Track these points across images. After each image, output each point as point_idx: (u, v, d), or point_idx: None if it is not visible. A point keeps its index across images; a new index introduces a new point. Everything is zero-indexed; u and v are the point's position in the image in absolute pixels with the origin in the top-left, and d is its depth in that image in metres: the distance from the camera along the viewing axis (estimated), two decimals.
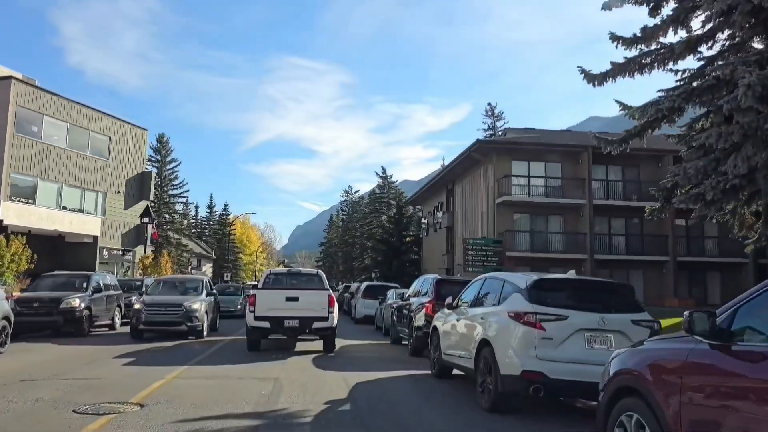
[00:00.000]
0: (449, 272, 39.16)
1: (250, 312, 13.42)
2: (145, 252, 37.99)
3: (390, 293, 20.90)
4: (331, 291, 14.67)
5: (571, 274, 8.16)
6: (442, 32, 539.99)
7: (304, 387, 9.15)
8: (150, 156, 70.11)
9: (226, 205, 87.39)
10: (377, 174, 71.04)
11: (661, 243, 30.84)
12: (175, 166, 70.96)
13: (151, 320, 16.42)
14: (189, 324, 16.47)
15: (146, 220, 32.37)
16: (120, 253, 41.65)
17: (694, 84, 13.96)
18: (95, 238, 38.19)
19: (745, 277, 30.63)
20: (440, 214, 42.19)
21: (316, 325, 13.36)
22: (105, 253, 39.67)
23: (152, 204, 71.78)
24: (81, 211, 38.58)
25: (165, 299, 17.25)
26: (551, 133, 37.77)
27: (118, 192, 41.60)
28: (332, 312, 13.48)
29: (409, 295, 15.69)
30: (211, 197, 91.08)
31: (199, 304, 17.04)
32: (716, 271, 31.99)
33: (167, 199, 70.05)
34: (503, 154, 31.58)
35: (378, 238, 51.54)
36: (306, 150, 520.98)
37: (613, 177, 31.77)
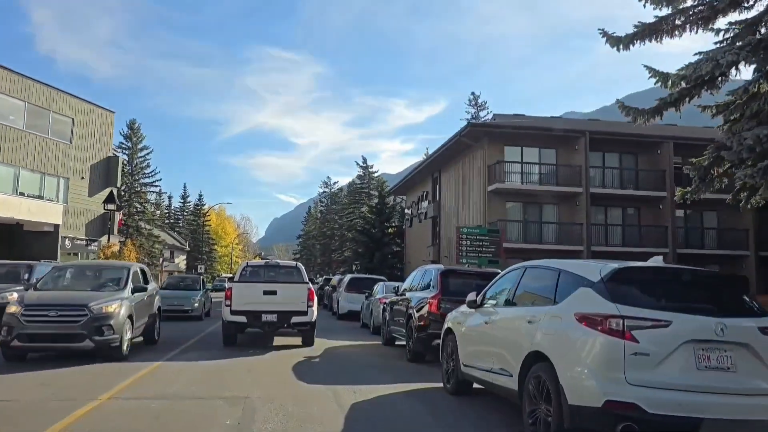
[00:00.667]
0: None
1: (226, 306, 12.87)
2: (108, 241, 35.18)
3: (378, 287, 18.69)
4: (310, 284, 14.10)
5: (658, 260, 5.88)
6: (418, 25, 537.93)
7: (285, 412, 6.84)
8: (120, 143, 66.99)
9: (200, 195, 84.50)
10: (357, 164, 68.72)
11: (660, 234, 29.03)
12: (147, 154, 67.85)
13: (32, 332, 10.13)
14: (97, 338, 10.22)
15: (111, 206, 29.63)
16: (84, 243, 38.79)
17: (739, 44, 11.86)
18: (56, 226, 35.25)
19: (745, 269, 29.03)
20: (425, 203, 40.02)
21: (295, 319, 12.90)
22: (67, 242, 36.79)
23: (122, 192, 68.81)
24: (41, 197, 35.64)
25: (59, 298, 10.89)
26: (542, 119, 35.75)
27: (82, 178, 38.70)
28: (312, 306, 13.00)
29: (404, 289, 13.43)
30: (185, 187, 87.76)
31: (117, 306, 10.73)
32: (715, 264, 30.31)
33: (138, 188, 66.92)
34: (495, 139, 29.46)
35: (359, 229, 49.22)
36: (283, 142, 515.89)
37: (610, 164, 29.86)
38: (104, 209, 30.20)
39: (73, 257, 36.93)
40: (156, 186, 68.61)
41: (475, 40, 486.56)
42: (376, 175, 67.39)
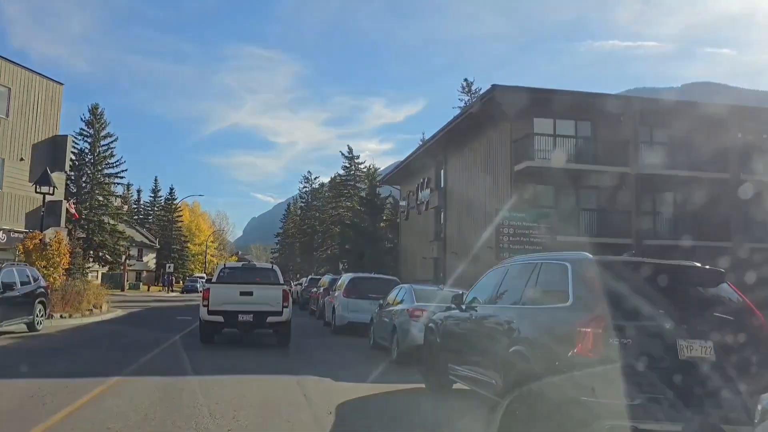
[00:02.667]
0: (439, 263, 31.30)
1: (204, 306, 13.14)
2: (42, 231, 28.67)
3: (400, 292, 12.78)
4: (285, 286, 14.48)
5: None
6: (396, 25, 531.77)
7: None
8: (81, 129, 59.90)
9: (171, 189, 77.38)
10: (343, 154, 62.58)
11: (723, 226, 23.49)
12: (111, 142, 60.79)
13: None
14: None
15: (45, 188, 23.25)
16: (23, 236, 32.23)
17: None
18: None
19: None
20: (426, 192, 34.17)
21: (271, 319, 13.18)
22: (1, 235, 30.29)
23: (83, 184, 61.79)
24: None
25: None
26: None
27: (22, 159, 32.15)
28: (287, 307, 13.27)
29: (477, 300, 7.51)
30: (155, 180, 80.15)
31: None
32: None
33: (101, 179, 59.94)
34: (523, 109, 23.69)
35: (347, 223, 43.17)
36: (261, 141, 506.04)
37: (660, 141, 24.27)
38: (36, 191, 23.74)
39: (9, 252, 30.53)
40: (121, 177, 61.62)
41: (454, 39, 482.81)
42: (362, 166, 61.47)
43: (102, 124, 60.31)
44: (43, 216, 22.88)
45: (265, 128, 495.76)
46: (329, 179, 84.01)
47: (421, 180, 35.29)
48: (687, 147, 23.68)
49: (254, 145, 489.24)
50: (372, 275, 19.34)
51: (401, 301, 12.05)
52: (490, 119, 24.94)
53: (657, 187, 23.72)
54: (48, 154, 33.96)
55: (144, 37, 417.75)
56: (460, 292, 8.03)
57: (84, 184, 58.73)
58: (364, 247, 39.60)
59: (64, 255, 19.81)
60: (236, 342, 14.17)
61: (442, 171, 32.09)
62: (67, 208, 40.84)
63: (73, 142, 61.87)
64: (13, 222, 31.76)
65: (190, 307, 29.54)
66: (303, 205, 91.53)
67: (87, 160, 59.57)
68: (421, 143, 46.13)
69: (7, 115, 31.36)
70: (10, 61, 31.76)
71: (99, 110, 60.37)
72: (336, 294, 18.08)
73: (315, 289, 25.58)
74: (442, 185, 31.86)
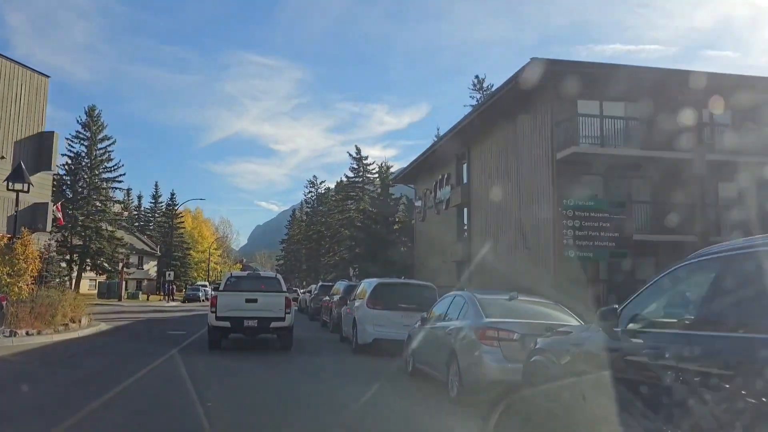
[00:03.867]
0: (463, 266, 27.95)
1: (212, 312, 13.68)
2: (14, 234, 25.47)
3: (454, 303, 9.34)
4: (287, 293, 14.87)
5: None
6: (397, 30, 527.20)
7: None
8: (78, 132, 56.87)
9: (172, 194, 74.03)
10: (350, 155, 59.17)
11: None
12: (109, 145, 57.77)
13: None
14: None
15: (18, 186, 19.99)
16: (4, 242, 29.04)
17: None
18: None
19: None
20: (446, 189, 30.88)
21: (274, 324, 13.72)
22: None
23: (79, 188, 58.53)
24: None
25: None
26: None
27: (2, 157, 29.00)
28: (289, 313, 13.85)
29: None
30: (156, 186, 76.81)
31: None
32: None
33: (98, 183, 56.81)
34: (566, 88, 20.41)
35: (358, 225, 39.79)
36: (264, 149, 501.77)
37: (728, 122, 20.94)
38: (7, 189, 20.48)
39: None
40: (120, 181, 58.45)
41: (455, 45, 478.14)
42: (371, 167, 58.06)
43: (99, 126, 57.26)
44: (17, 217, 19.53)
45: (267, 136, 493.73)
46: (335, 183, 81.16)
47: (440, 177, 32.01)
48: (760, 129, 20.32)
49: (257, 153, 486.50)
50: (401, 280, 15.98)
51: (459, 316, 8.67)
52: (524, 101, 21.65)
53: (724, 176, 20.34)
54: (33, 152, 30.81)
55: (145, 46, 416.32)
56: (614, 307, 4.47)
57: (80, 189, 55.58)
58: (377, 251, 36.27)
59: (32, 260, 16.50)
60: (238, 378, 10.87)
61: (465, 165, 28.81)
62: (53, 211, 37.86)
63: (69, 145, 58.94)
64: None
65: (187, 319, 26.18)
66: (309, 210, 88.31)
67: (84, 163, 56.46)
68: (436, 139, 42.91)
69: None
70: None
71: (96, 112, 57.31)
72: (356, 304, 14.74)
73: (327, 298, 22.26)
74: (465, 181, 28.58)
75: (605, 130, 20.39)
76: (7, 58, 29.62)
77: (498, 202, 24.45)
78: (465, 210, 28.69)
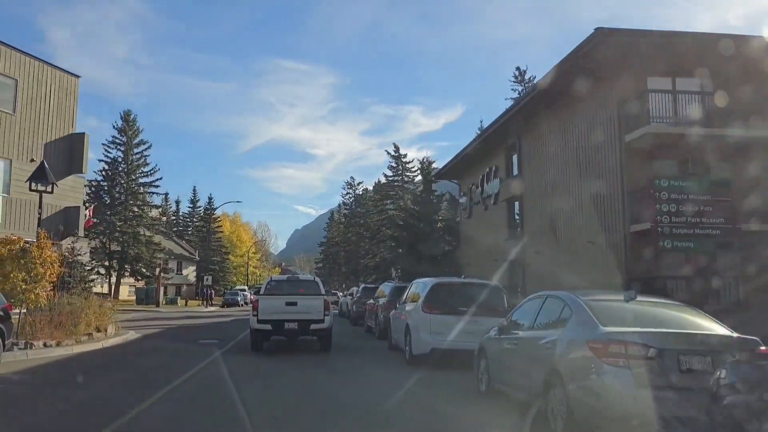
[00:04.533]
0: (516, 265, 25.74)
1: (254, 316, 13.96)
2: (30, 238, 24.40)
3: (552, 307, 7.12)
4: (326, 296, 14.91)
5: None
6: (429, 32, 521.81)
7: None
8: (114, 137, 56.43)
9: (210, 198, 73.25)
10: (388, 153, 57.25)
11: None
12: (145, 149, 57.21)
13: None
14: None
15: (40, 186, 18.60)
16: (65, 252, 28.04)
17: None
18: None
19: None
20: (495, 182, 28.66)
21: (314, 327, 13.89)
22: None
23: (115, 194, 57.77)
24: None
25: None
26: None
27: (32, 160, 27.97)
28: (328, 315, 14.01)
29: None
30: (194, 190, 76.24)
31: None
32: None
33: (135, 189, 56.19)
34: (635, 61, 18.10)
35: (400, 224, 37.76)
36: (301, 153, 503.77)
37: None
38: (30, 189, 19.12)
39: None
40: (156, 186, 57.74)
41: (487, 45, 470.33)
42: (410, 164, 56.02)
43: (135, 131, 56.69)
44: (40, 219, 18.14)
45: (304, 141, 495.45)
46: (373, 185, 79.42)
47: (487, 170, 29.80)
48: None
49: (294, 158, 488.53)
50: (462, 280, 13.94)
51: (557, 324, 6.58)
52: (585, 79, 19.32)
53: None
54: (63, 155, 29.76)
55: (183, 56, 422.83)
56: None
57: (118, 194, 55.04)
58: (420, 251, 34.22)
59: (50, 265, 14.99)
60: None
61: (515, 156, 26.55)
62: (85, 215, 36.86)
63: (106, 150, 58.47)
64: (24, 232, 27.54)
65: (223, 325, 24.59)
66: (346, 212, 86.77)
67: (120, 169, 55.94)
68: (479, 132, 40.71)
69: (14, 111, 27.21)
70: (17, 49, 27.64)
71: (131, 116, 56.78)
72: (408, 308, 12.76)
73: (371, 301, 20.32)
74: (516, 172, 26.31)
75: (680, 108, 17.93)
76: (36, 57, 28.60)
77: (555, 192, 22.18)
78: (516, 204, 26.43)
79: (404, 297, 14.32)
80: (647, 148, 17.63)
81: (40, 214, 18.21)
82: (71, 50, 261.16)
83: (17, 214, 27.26)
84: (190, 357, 13.00)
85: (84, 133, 30.37)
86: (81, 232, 29.87)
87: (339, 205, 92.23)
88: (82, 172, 30.06)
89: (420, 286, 12.74)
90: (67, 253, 21.32)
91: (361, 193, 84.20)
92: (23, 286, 14.28)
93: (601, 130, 19.22)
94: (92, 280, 25.49)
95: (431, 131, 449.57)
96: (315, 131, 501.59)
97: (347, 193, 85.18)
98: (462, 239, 34.89)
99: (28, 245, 14.81)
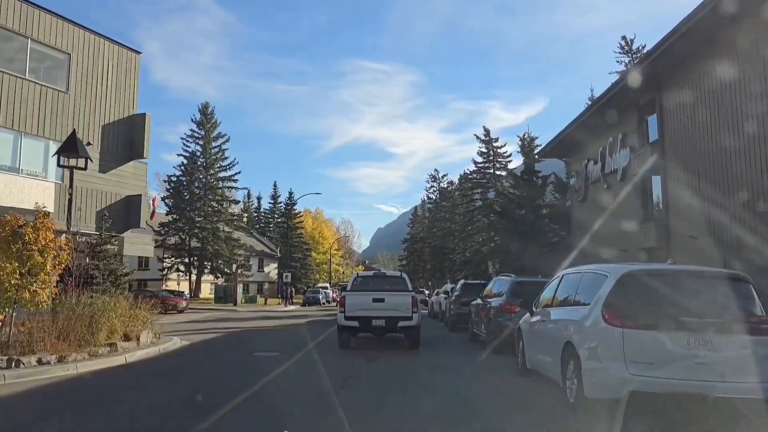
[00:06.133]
0: (655, 255, 20.15)
1: (341, 312, 13.60)
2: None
3: None
4: (414, 292, 14.50)
5: None
6: (507, 25, 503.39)
7: None
8: (192, 131, 54.22)
9: (290, 194, 70.34)
10: (477, 137, 51.71)
11: None
12: (223, 143, 54.69)
13: None
14: None
15: (72, 158, 14.90)
16: (95, 240, 24.95)
17: None
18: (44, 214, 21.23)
19: None
20: (622, 154, 22.93)
21: (401, 324, 13.48)
22: (63, 239, 22.97)
23: (196, 189, 55.46)
24: (17, 170, 22.17)
25: None
26: None
27: (89, 144, 24.89)
28: (416, 312, 13.58)
29: None
30: (275, 185, 73.40)
31: None
32: None
33: (214, 183, 53.69)
34: None
35: (498, 211, 32.36)
36: (381, 152, 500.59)
37: None
38: (58, 165, 15.45)
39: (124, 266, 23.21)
40: (235, 180, 55.07)
41: (570, 34, 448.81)
42: (502, 149, 50.30)
43: (213, 124, 54.27)
44: (70, 199, 14.34)
45: (384, 139, 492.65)
46: (458, 176, 74.14)
47: (611, 139, 24.03)
48: None
49: (375, 157, 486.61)
50: (676, 267, 8.04)
51: None
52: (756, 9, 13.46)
53: None
54: (123, 138, 26.59)
55: (265, 61, 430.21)
56: None
57: (197, 190, 52.72)
58: (525, 241, 28.80)
59: (51, 252, 11.01)
60: None
61: (654, 117, 20.72)
62: (152, 204, 33.94)
63: (184, 144, 56.39)
64: (80, 223, 24.52)
65: (296, 330, 20.29)
66: (431, 206, 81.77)
67: (199, 163, 53.65)
68: (589, 103, 34.74)
69: (67, 89, 24.20)
70: (71, 21, 24.64)
71: (209, 109, 54.38)
72: (565, 315, 7.70)
73: (478, 302, 15.24)
74: (656, 137, 20.48)
75: None
76: (92, 30, 25.50)
77: (713, 160, 16.36)
78: (657, 179, 20.63)
79: (541, 300, 9.27)
80: None
81: (70, 195, 14.35)
82: (162, 60, 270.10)
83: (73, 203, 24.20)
84: (235, 381, 8.58)
85: (145, 114, 27.09)
86: (143, 224, 26.61)
87: (422, 200, 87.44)
88: (143, 157, 26.81)
89: (587, 279, 7.61)
90: (94, 240, 17.61)
91: (446, 185, 79.06)
92: (16, 280, 10.35)
93: None
94: (125, 275, 21.62)
95: (513, 125, 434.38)
96: (395, 130, 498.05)
97: (431, 186, 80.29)
98: (574, 227, 29.12)
99: (21, 228, 10.82)
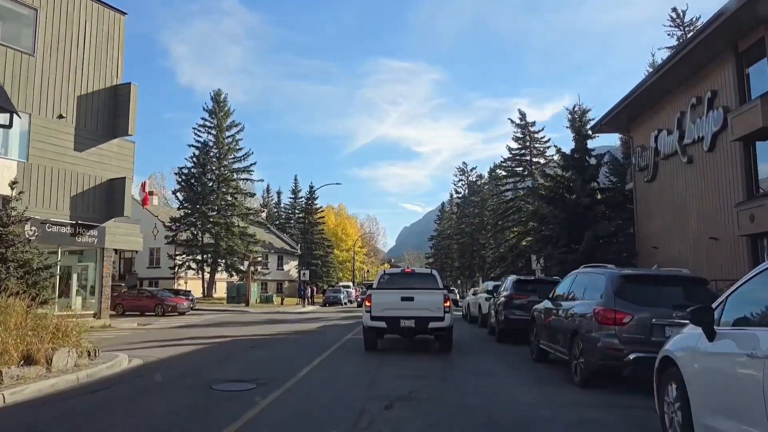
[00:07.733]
0: (758, 243, 15.28)
1: (367, 312, 12.67)
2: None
3: None
4: (446, 291, 13.17)
5: None
6: (533, 22, 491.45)
7: None
8: (204, 120, 50.28)
9: (311, 188, 66.08)
10: (511, 122, 46.78)
11: None
12: (237, 132, 50.65)
13: None
14: None
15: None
16: (68, 230, 20.89)
17: None
18: (4, 199, 17.16)
19: None
20: (709, 117, 18.15)
21: (432, 325, 12.36)
22: (31, 228, 18.95)
23: (208, 181, 51.56)
24: None
25: None
26: None
27: (61, 117, 20.87)
28: (448, 312, 12.40)
29: None
30: (295, 179, 68.86)
31: None
32: None
33: (227, 175, 49.72)
34: None
35: (543, 195, 27.55)
36: (406, 151, 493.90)
37: None
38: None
39: (52, 256, 19.14)
40: (251, 171, 51.02)
41: (597, 30, 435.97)
42: (539, 134, 45.32)
43: (226, 112, 50.26)
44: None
45: (409, 138, 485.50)
46: (487, 170, 69.25)
47: (694, 100, 19.19)
48: None
49: (399, 156, 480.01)
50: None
51: None
52: None
53: None
54: (104, 111, 22.47)
55: (291, 62, 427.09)
56: None
57: (209, 182, 48.78)
58: (576, 232, 24.00)
59: None
60: None
61: (763, 64, 15.85)
62: (141, 190, 29.82)
63: (196, 134, 52.43)
64: (52, 209, 20.52)
65: (296, 342, 15.78)
66: (459, 201, 76.95)
67: (212, 154, 49.68)
68: (650, 71, 29.85)
69: (33, 51, 20.17)
70: None
71: (222, 97, 50.40)
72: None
73: (549, 307, 10.59)
74: (761, 92, 15.60)
75: None
76: None
77: None
78: (765, 145, 15.77)
79: (722, 305, 4.68)
80: None
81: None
82: (190, 64, 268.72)
83: (41, 185, 20.20)
84: None
85: (130, 84, 22.90)
86: (127, 211, 22.50)
87: (450, 195, 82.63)
88: (128, 134, 22.68)
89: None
90: None
91: (474, 179, 74.23)
92: None
93: None
94: (45, 267, 16.89)
95: (539, 123, 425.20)
96: (419, 129, 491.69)
97: (459, 180, 75.46)
98: (639, 212, 24.20)
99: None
